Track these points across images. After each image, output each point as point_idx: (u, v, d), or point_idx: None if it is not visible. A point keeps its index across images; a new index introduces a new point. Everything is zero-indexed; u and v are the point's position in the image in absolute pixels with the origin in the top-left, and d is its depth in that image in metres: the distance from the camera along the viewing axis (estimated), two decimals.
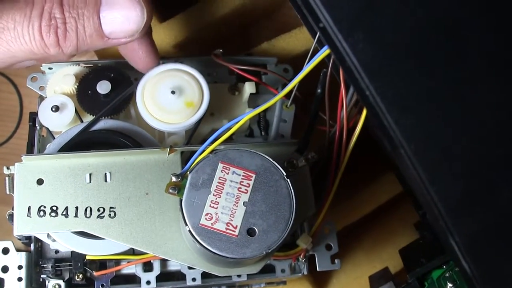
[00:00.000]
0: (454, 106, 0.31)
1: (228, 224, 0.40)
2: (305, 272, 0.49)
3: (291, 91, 0.50)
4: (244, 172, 0.41)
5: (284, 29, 0.58)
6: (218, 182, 0.41)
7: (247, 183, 0.41)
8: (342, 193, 0.47)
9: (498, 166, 0.32)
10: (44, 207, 0.43)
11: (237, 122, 0.43)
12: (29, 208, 0.43)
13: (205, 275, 0.48)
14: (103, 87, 0.48)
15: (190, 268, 0.48)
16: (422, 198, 0.32)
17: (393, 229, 0.58)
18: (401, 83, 0.31)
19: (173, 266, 0.49)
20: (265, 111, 0.51)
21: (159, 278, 0.48)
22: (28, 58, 0.41)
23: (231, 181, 0.41)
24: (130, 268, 0.48)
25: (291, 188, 0.41)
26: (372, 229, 0.58)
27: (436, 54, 0.31)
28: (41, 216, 0.43)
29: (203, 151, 0.42)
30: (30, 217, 0.43)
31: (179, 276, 0.49)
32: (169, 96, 0.47)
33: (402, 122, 0.31)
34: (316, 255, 0.48)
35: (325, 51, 0.40)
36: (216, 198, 0.41)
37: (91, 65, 0.50)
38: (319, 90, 0.47)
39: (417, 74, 0.31)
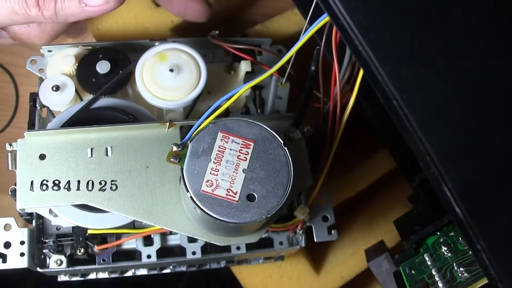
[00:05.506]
0: (445, 57, 0.33)
1: (229, 190, 0.41)
2: (303, 244, 0.50)
3: (286, 69, 0.51)
4: (243, 141, 0.43)
5: (276, 14, 0.60)
6: (218, 151, 0.42)
7: (246, 151, 0.42)
8: (337, 170, 0.49)
9: (488, 114, 0.33)
10: (47, 181, 0.44)
11: (233, 95, 0.45)
12: (31, 183, 0.44)
13: (204, 250, 0.49)
14: (103, 67, 0.49)
15: (190, 241, 0.49)
16: (415, 148, 0.33)
17: (387, 205, 0.59)
18: (392, 37, 0.33)
19: (173, 240, 0.50)
20: (260, 90, 0.53)
21: (159, 254, 0.48)
22: (11, 20, 0.44)
23: (231, 149, 0.42)
24: (131, 243, 0.49)
25: (289, 155, 0.42)
26: (366, 206, 0.60)
27: (428, 7, 0.33)
28: (44, 190, 0.44)
29: (202, 122, 0.44)
30: (33, 191, 0.43)
31: (179, 251, 0.50)
32: (168, 74, 0.48)
33: (394, 74, 0.33)
34: (313, 227, 0.49)
35: (323, 20, 0.42)
36: (216, 166, 0.42)
37: (90, 47, 0.51)
38: (313, 68, 0.49)
39: (408, 27, 0.33)
